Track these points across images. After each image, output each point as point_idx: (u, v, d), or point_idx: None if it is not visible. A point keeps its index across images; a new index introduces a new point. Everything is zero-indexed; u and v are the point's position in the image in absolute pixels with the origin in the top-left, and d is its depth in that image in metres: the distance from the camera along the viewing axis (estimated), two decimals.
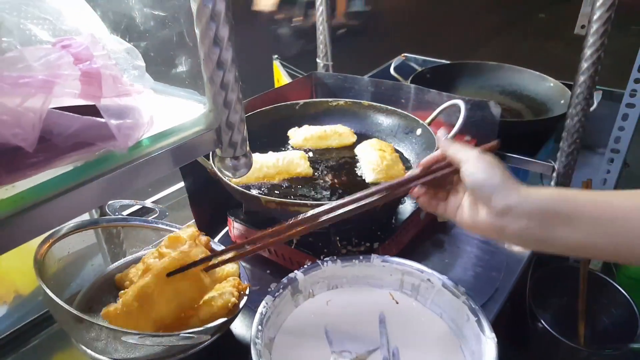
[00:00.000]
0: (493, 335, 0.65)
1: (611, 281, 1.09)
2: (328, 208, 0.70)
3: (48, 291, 0.63)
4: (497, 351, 0.63)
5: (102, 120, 0.41)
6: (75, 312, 0.63)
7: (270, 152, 0.99)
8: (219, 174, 0.79)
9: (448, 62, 1.60)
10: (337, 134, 1.06)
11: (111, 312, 0.69)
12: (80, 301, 0.79)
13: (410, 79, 1.40)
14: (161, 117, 0.52)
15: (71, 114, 0.40)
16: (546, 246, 0.55)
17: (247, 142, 0.55)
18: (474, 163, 0.59)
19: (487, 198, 0.57)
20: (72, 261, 0.86)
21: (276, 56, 1.64)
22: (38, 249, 0.71)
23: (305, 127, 1.08)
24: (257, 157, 0.96)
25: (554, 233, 0.54)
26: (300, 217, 0.70)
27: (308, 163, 0.97)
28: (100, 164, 0.45)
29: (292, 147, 1.07)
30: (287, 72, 1.63)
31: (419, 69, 1.54)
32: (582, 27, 0.92)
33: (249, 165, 0.57)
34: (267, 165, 0.95)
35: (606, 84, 1.35)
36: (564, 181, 1.03)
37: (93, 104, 0.41)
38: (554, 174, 1.04)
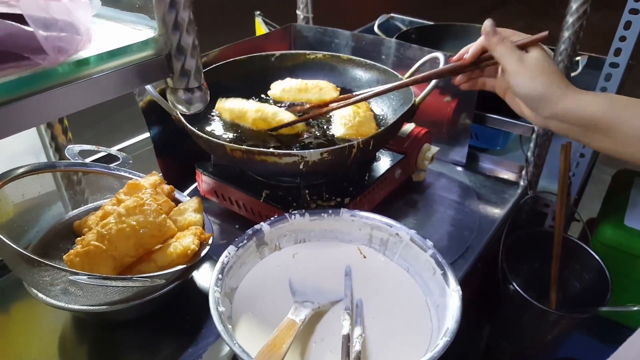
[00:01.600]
0: (458, 288, 0.64)
1: (585, 247, 1.08)
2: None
3: None
4: (462, 303, 0.61)
5: (28, 28, 0.37)
6: (23, 251, 0.60)
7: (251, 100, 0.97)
8: (173, 109, 0.76)
9: (434, 23, 1.55)
10: (318, 87, 1.01)
11: (71, 254, 0.66)
12: (36, 246, 0.76)
13: (394, 37, 1.35)
14: (107, 40, 0.48)
15: None
16: (584, 144, 0.65)
17: (202, 74, 0.51)
18: (521, 73, 0.62)
19: (534, 107, 0.63)
20: (29, 207, 0.82)
21: (258, 12, 1.58)
22: None
23: (288, 79, 1.04)
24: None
25: (592, 140, 0.60)
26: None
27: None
28: (35, 81, 0.41)
29: (271, 99, 1.03)
30: (269, 29, 1.57)
31: (405, 29, 1.49)
32: None
33: (204, 100, 0.53)
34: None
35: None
36: (543, 143, 1.01)
37: (16, 12, 0.36)
38: (534, 135, 1.01)
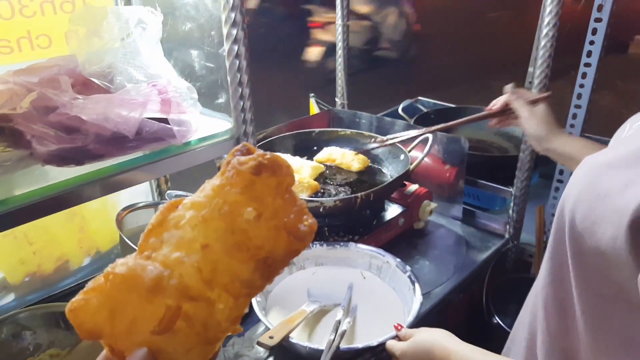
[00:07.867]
0: (419, 292, 0.92)
1: None
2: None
3: (123, 236, 0.96)
4: (420, 304, 0.89)
5: (169, 126, 0.74)
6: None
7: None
8: None
9: (453, 105, 1.87)
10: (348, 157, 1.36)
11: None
12: None
13: (414, 118, 1.69)
14: (204, 128, 0.85)
15: (152, 121, 0.73)
16: (569, 168, 0.92)
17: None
18: (528, 119, 0.94)
19: (538, 142, 0.94)
20: (139, 232, 1.20)
21: (312, 94, 1.98)
22: (118, 214, 1.05)
23: (332, 148, 1.41)
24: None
25: (570, 166, 0.86)
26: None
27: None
28: (166, 151, 0.79)
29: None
30: (319, 107, 1.97)
31: (426, 110, 1.82)
32: (530, 82, 1.19)
33: None
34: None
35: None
36: (520, 203, 1.27)
37: (165, 117, 0.74)
38: (512, 198, 1.28)
